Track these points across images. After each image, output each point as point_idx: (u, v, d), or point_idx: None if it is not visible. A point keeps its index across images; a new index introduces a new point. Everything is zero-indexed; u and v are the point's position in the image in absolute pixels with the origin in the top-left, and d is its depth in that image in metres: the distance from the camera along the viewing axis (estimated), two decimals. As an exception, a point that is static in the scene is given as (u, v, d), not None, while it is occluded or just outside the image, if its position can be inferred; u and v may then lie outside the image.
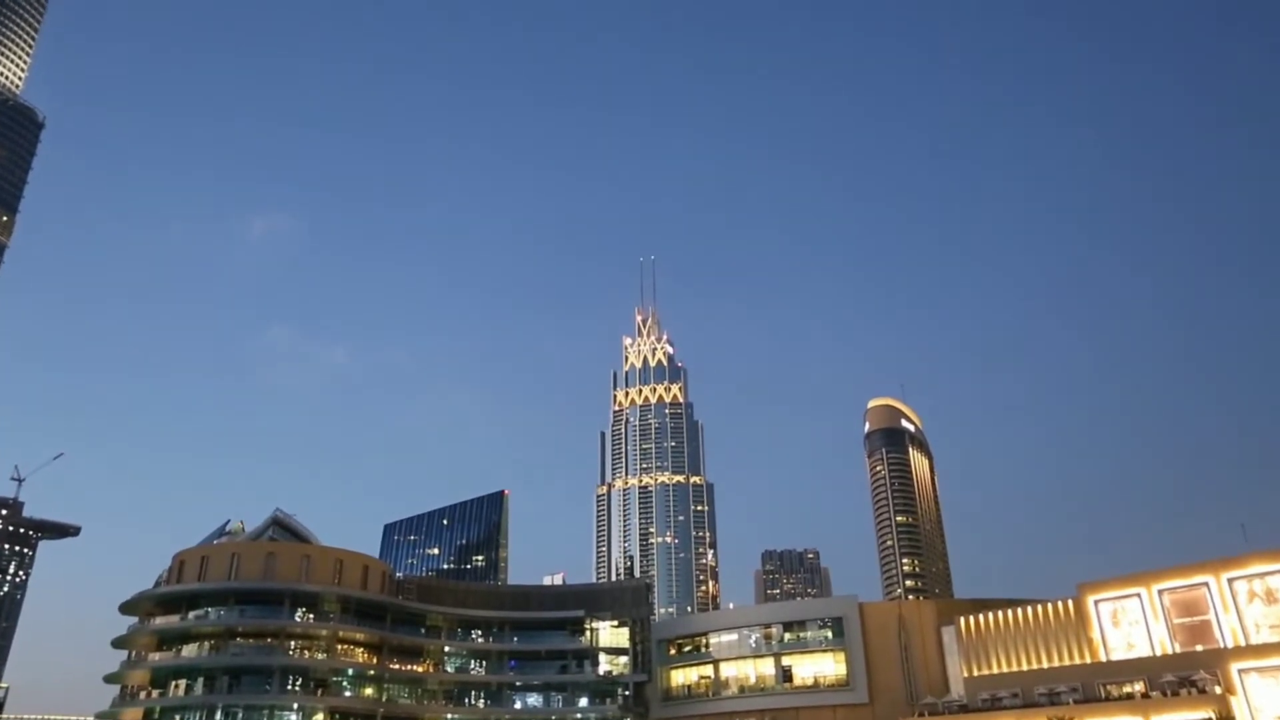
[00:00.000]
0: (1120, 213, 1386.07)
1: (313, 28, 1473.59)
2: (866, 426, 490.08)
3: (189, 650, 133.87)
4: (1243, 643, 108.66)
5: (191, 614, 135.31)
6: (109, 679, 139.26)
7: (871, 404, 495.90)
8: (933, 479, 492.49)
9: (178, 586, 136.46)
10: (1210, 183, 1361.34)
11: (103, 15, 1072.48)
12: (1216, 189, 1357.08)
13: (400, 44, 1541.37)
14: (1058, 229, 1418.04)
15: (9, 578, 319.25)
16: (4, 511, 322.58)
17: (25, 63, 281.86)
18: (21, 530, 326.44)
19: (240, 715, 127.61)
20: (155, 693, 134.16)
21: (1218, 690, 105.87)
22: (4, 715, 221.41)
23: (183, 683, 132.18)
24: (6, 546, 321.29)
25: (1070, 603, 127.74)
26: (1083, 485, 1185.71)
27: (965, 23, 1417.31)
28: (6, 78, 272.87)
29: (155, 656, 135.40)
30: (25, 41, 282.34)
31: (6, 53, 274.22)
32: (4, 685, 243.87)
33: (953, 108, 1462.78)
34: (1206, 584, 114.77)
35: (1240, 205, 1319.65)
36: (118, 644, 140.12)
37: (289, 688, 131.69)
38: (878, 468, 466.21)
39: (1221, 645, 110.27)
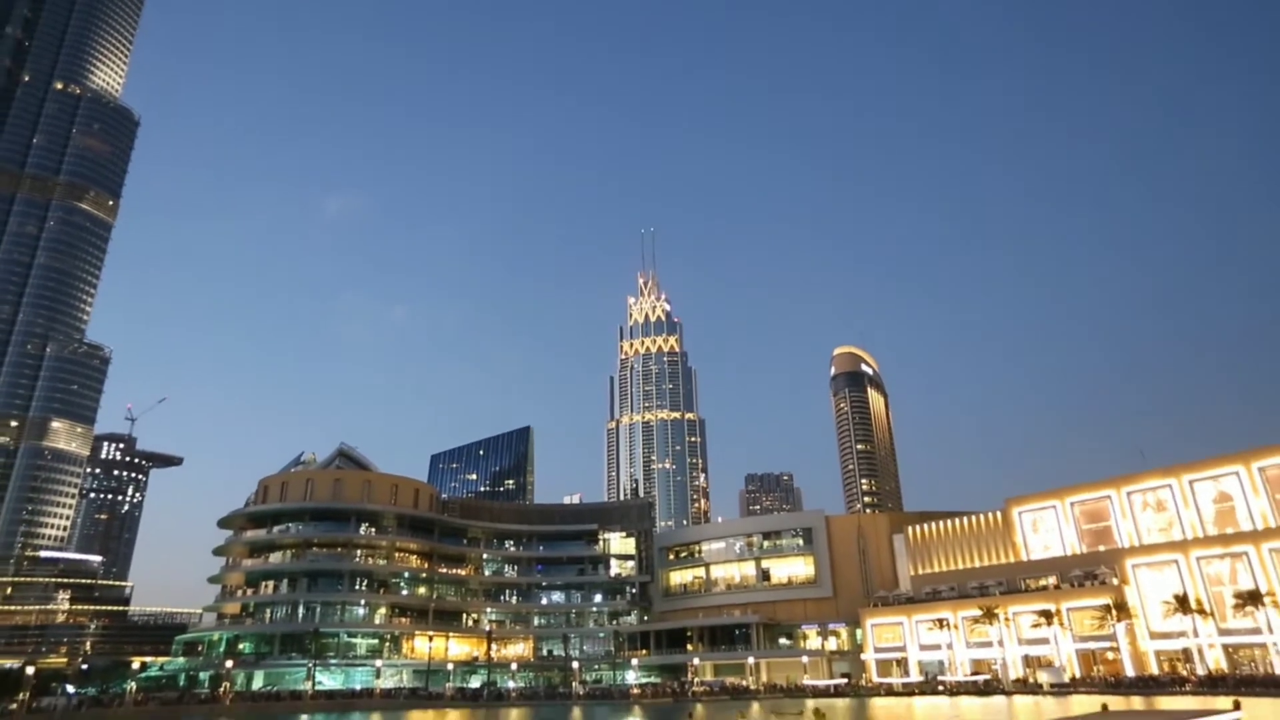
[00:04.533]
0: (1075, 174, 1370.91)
1: (367, 30, 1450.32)
2: (832, 370, 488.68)
3: (275, 557, 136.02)
4: (1137, 543, 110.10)
5: (275, 528, 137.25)
6: (212, 580, 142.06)
7: (836, 351, 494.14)
8: (887, 413, 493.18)
9: (264, 506, 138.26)
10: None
11: (192, 20, 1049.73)
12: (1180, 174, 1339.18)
13: (443, 41, 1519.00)
14: (1000, 189, 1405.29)
15: (127, 499, 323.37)
16: (120, 445, 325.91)
17: (123, 68, 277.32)
18: (135, 460, 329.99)
19: (318, 609, 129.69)
20: (249, 591, 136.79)
21: (1115, 581, 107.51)
22: (131, 606, 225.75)
23: (271, 583, 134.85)
24: (124, 474, 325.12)
25: (999, 513, 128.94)
26: (1011, 416, 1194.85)
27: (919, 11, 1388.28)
28: (107, 82, 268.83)
29: (248, 562, 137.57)
30: (122, 49, 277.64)
31: (107, 60, 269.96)
32: (130, 584, 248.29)
33: (912, 83, 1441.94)
34: (1110, 496, 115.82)
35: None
36: (218, 552, 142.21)
37: (357, 588, 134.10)
38: (841, 404, 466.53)
39: (1120, 545, 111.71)
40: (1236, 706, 11.10)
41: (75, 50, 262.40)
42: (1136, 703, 76.01)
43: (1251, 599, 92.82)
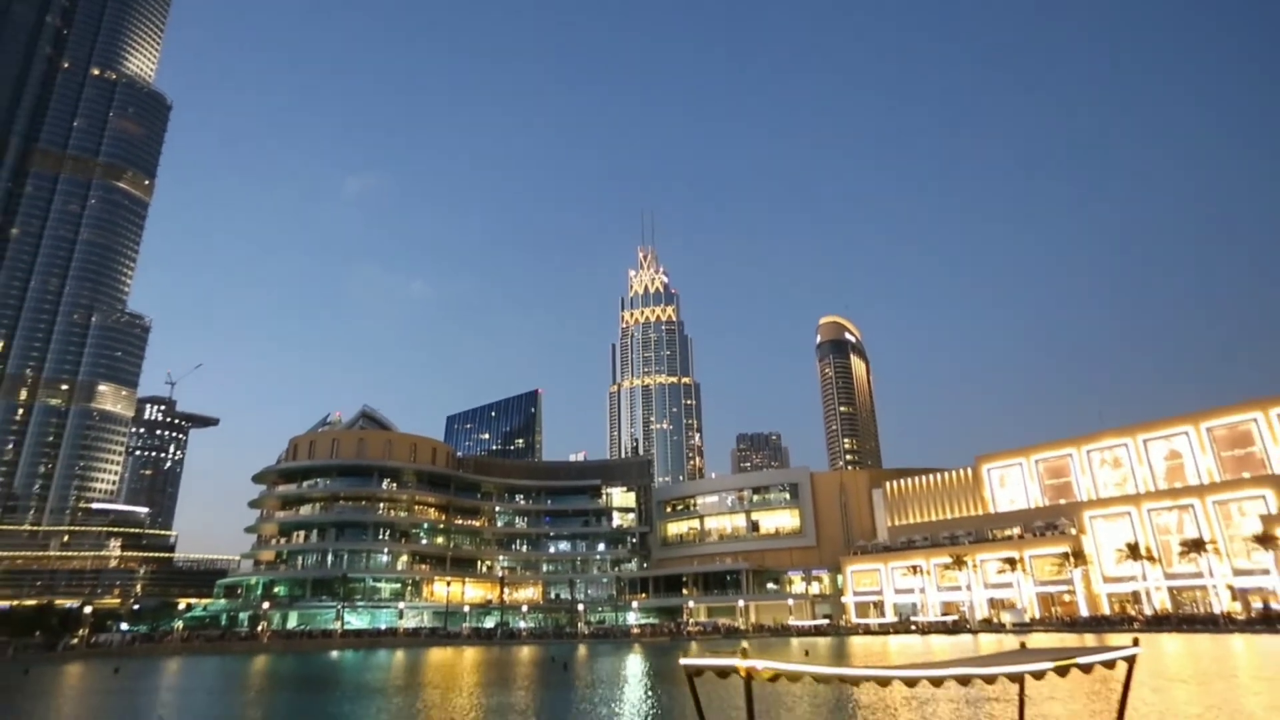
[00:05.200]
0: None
1: (386, 20, 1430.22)
2: (818, 338, 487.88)
3: (305, 509, 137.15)
4: (1094, 496, 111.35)
5: (305, 483, 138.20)
6: (249, 530, 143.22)
7: (822, 320, 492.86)
8: (868, 377, 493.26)
9: (293, 463, 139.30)
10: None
11: (223, 6, 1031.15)
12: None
13: (457, 30, 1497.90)
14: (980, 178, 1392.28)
15: (169, 456, 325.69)
16: (162, 407, 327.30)
17: (155, 54, 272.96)
18: (175, 421, 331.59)
19: (346, 557, 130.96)
20: (282, 540, 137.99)
21: (1073, 531, 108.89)
22: (175, 554, 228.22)
23: (302, 533, 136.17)
24: (166, 433, 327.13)
25: (969, 470, 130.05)
26: (983, 381, 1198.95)
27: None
28: (140, 68, 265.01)
29: (280, 514, 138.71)
30: (154, 36, 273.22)
31: (140, 48, 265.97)
32: (174, 533, 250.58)
33: (901, 69, 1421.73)
34: (1070, 454, 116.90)
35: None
36: (253, 505, 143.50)
37: (380, 537, 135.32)
38: (826, 370, 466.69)
39: (1078, 499, 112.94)
40: (1135, 643, 11.54)
41: (110, 38, 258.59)
42: (1076, 639, 77.45)
43: (1195, 546, 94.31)
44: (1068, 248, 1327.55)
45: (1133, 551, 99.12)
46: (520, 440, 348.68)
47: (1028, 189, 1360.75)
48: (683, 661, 9.96)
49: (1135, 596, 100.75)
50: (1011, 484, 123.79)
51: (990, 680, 10.78)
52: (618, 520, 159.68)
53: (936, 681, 10.46)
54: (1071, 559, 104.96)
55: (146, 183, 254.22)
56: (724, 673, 9.39)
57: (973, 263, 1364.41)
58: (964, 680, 10.64)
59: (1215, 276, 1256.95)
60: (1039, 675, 11.06)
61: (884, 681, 10.01)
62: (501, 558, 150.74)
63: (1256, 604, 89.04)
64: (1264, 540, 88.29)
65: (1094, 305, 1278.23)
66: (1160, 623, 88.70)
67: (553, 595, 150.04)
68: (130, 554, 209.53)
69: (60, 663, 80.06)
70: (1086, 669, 11.31)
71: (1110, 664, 11.40)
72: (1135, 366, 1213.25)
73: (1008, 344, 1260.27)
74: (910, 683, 10.19)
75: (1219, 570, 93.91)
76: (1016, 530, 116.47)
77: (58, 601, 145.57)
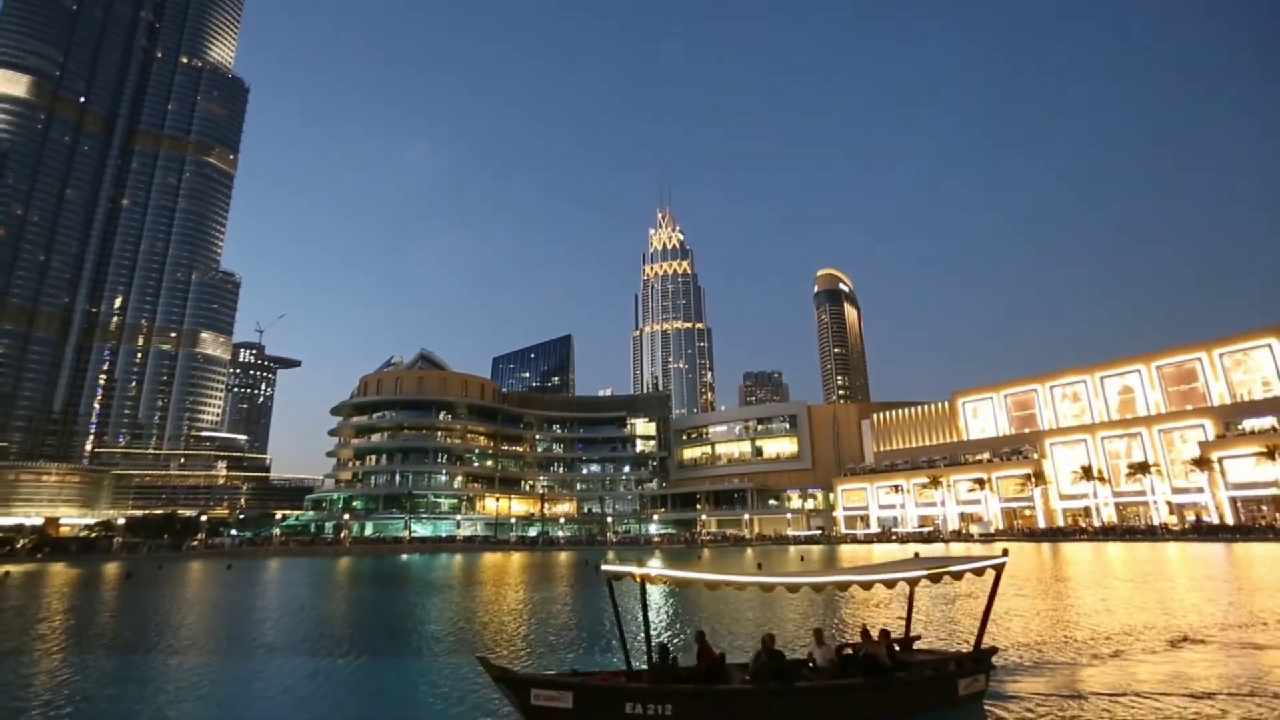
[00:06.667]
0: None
1: (438, 8, 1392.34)
2: (815, 288, 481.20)
3: (375, 437, 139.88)
4: (1055, 426, 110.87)
5: (374, 415, 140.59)
6: (329, 454, 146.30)
7: (819, 272, 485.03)
8: (859, 323, 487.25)
9: (364, 398, 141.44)
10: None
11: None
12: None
13: (506, 21, 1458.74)
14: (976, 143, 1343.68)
15: (261, 392, 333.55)
16: (253, 351, 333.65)
17: (234, 43, 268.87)
18: (265, 363, 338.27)
19: (410, 477, 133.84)
20: (357, 462, 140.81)
21: (1035, 456, 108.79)
22: (270, 474, 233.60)
23: (373, 457, 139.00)
24: (257, 373, 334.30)
25: (946, 403, 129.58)
26: (960, 326, 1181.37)
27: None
28: (221, 56, 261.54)
29: (355, 441, 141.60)
30: (232, 27, 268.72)
31: (220, 38, 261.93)
32: (269, 456, 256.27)
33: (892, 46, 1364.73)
34: (1036, 390, 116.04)
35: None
36: (332, 433, 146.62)
37: (439, 461, 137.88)
38: (823, 316, 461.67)
39: (1041, 428, 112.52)
40: (1005, 553, 11.75)
41: (195, 30, 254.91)
42: (1033, 547, 78.31)
43: (1141, 469, 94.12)
44: (1032, 210, 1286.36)
45: (1086, 473, 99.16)
46: (556, 378, 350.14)
47: (998, 160, 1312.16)
48: (603, 568, 10.38)
49: (1086, 511, 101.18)
50: (983, 415, 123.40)
51: (867, 586, 10.74)
52: (641, 446, 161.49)
53: (818, 588, 10.59)
54: (1033, 479, 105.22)
55: (231, 157, 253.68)
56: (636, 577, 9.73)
57: (954, 221, 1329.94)
58: (843, 586, 10.62)
59: (1164, 234, 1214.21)
60: (914, 582, 10.88)
61: (768, 587, 10.07)
62: (541, 478, 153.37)
63: (1190, 517, 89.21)
64: (1200, 463, 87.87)
65: (1058, 258, 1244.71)
66: (1107, 533, 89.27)
67: (585, 510, 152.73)
68: (234, 474, 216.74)
69: (184, 560, 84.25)
70: (958, 576, 11.11)
71: (980, 572, 11.19)
72: (1095, 312, 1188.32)
73: (984, 293, 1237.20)
74: (792, 589, 10.31)
75: (1160, 489, 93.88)
76: (986, 455, 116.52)
77: (179, 511, 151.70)
